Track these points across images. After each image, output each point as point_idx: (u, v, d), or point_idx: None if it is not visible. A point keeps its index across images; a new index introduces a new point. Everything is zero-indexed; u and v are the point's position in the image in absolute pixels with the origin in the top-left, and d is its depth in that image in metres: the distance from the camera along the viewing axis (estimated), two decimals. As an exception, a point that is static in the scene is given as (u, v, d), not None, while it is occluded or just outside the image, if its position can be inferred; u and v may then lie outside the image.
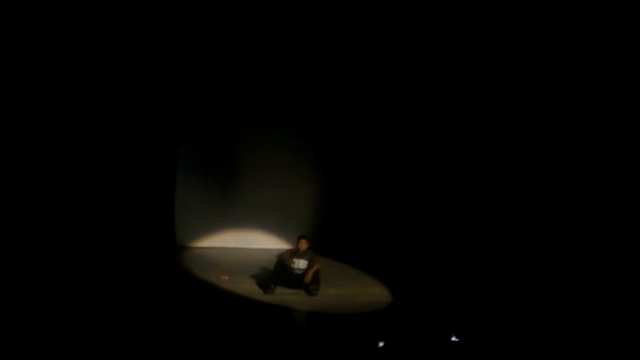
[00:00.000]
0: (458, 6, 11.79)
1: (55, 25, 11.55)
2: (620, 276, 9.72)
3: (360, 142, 14.24)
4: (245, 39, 13.15)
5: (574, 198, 10.64)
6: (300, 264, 10.75)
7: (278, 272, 10.75)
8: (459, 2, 11.81)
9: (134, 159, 12.99)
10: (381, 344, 8.46)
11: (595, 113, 10.36)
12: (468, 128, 12.66)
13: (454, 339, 8.74)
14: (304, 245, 10.90)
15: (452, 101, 12.85)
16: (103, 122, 12.60)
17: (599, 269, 9.95)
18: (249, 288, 10.87)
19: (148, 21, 12.21)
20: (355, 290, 11.25)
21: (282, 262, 10.77)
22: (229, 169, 14.19)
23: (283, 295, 10.50)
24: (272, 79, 13.77)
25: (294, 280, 10.72)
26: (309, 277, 10.60)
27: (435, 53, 12.71)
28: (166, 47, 12.71)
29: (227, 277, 11.36)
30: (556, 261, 10.60)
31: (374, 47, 13.14)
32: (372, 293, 11.21)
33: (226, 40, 13.12)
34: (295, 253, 10.85)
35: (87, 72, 12.20)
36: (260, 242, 14.14)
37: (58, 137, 12.16)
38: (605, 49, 10.17)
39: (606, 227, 10.11)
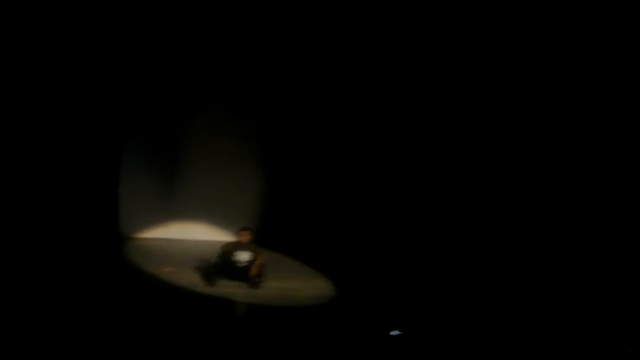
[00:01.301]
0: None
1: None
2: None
3: (305, 133, 14.20)
4: (192, 25, 13.01)
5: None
6: (243, 256, 10.71)
7: (220, 265, 10.70)
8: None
9: (78, 146, 12.81)
10: (395, 333, 8.54)
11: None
12: (413, 110, 12.74)
13: (395, 332, 8.80)
14: (245, 237, 10.85)
15: (400, 83, 12.89)
16: (46, 107, 12.40)
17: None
18: (192, 280, 10.81)
19: (95, 7, 12.01)
20: (298, 283, 11.26)
21: (225, 254, 10.71)
22: (174, 158, 14.09)
23: (226, 288, 10.46)
24: (217, 68, 13.67)
25: (237, 273, 10.68)
26: (253, 270, 10.57)
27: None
28: (113, 33, 12.52)
29: (169, 269, 11.28)
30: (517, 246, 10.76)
31: (317, 30, 13.03)
32: (316, 286, 11.24)
33: (173, 27, 12.96)
34: (237, 245, 10.80)
35: (33, 55, 11.97)
36: (204, 234, 14.05)
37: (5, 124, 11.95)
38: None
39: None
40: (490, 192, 11.71)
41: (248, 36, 13.17)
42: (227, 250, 10.76)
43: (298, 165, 14.27)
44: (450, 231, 11.92)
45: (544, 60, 11.07)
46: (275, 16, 12.55)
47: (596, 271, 10.15)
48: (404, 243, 12.44)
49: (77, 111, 12.68)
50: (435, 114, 12.55)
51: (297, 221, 13.95)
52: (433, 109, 12.56)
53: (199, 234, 14.10)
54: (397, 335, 8.77)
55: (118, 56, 12.78)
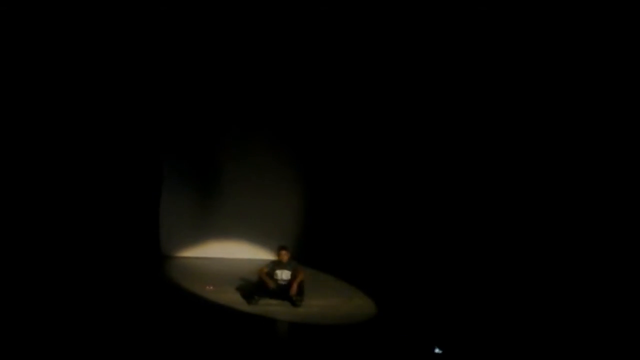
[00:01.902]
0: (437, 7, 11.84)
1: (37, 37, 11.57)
2: (609, 277, 9.78)
3: (344, 151, 14.26)
4: (230, 48, 13.19)
5: (561, 200, 10.70)
6: (284, 274, 10.73)
7: (262, 283, 10.73)
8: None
9: (120, 168, 13.04)
10: (438, 350, 8.53)
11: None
12: (451, 139, 12.72)
13: (437, 351, 8.75)
14: (284, 256, 10.87)
15: (435, 113, 12.91)
16: (89, 131, 12.63)
17: (593, 271, 10.00)
18: (233, 298, 10.85)
19: (132, 32, 12.23)
20: (339, 301, 11.23)
21: (266, 273, 10.75)
22: (214, 178, 14.21)
23: (267, 306, 10.48)
24: (255, 88, 13.81)
25: (278, 291, 10.71)
26: (294, 288, 10.57)
27: (418, 64, 12.76)
28: (150, 57, 12.74)
29: (211, 287, 11.34)
30: (550, 269, 10.63)
31: (356, 58, 13.18)
32: (356, 304, 11.20)
33: (211, 50, 13.15)
34: (278, 264, 10.82)
35: (73, 81, 12.22)
36: (244, 252, 14.12)
37: (46, 144, 12.17)
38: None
39: (592, 228, 10.16)
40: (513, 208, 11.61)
41: (290, 58, 13.32)
42: (268, 270, 10.78)
43: (338, 182, 14.30)
44: (489, 255, 11.82)
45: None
46: (315, 41, 12.72)
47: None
48: (445, 262, 12.37)
49: (121, 132, 12.89)
50: (466, 135, 12.52)
51: (337, 238, 13.96)
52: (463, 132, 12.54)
53: (240, 252, 14.17)
54: (440, 353, 8.72)
55: (161, 77, 12.99)
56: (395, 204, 13.63)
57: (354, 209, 14.14)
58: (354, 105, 13.92)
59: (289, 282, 10.65)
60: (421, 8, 11.81)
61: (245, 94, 13.85)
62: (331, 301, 11.17)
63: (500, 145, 11.88)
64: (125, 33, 12.25)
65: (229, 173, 14.21)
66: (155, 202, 13.68)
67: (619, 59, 10.09)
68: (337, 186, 14.31)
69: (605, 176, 10.24)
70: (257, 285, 10.83)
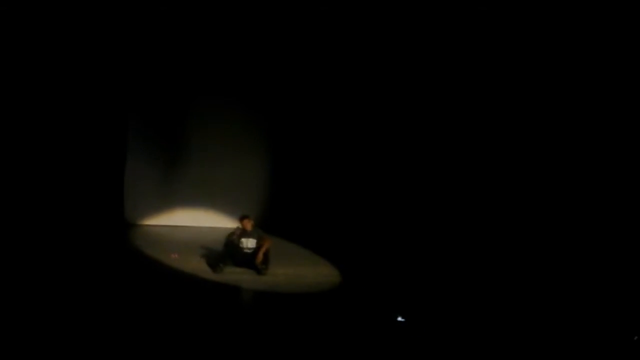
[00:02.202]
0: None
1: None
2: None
3: (310, 119, 14.23)
4: (197, 15, 13.00)
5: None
6: (249, 242, 10.74)
7: (227, 251, 10.73)
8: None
9: (85, 134, 12.84)
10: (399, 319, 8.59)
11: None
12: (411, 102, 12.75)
13: (400, 319, 8.83)
14: (247, 224, 10.86)
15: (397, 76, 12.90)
16: (54, 95, 12.43)
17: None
18: (198, 267, 10.84)
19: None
20: (304, 270, 11.29)
21: (231, 241, 10.74)
22: (179, 145, 14.12)
23: (232, 275, 10.49)
24: (221, 55, 13.67)
25: (243, 259, 10.71)
26: (259, 256, 10.59)
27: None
28: (118, 22, 12.51)
29: (176, 255, 11.31)
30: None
31: (320, 24, 13.06)
32: (321, 273, 11.26)
33: (178, 16, 12.94)
34: (243, 232, 10.81)
35: (36, 42, 11.98)
36: (210, 221, 14.10)
37: (7, 107, 11.96)
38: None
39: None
40: (485, 184, 11.67)
41: (254, 27, 13.17)
42: (233, 238, 10.77)
43: (303, 151, 14.29)
44: (453, 220, 11.90)
45: (544, 60, 11.07)
46: (283, 8, 12.55)
47: (596, 271, 10.17)
48: (409, 229, 12.44)
49: (85, 98, 12.70)
50: (431, 107, 12.53)
51: (302, 207, 13.98)
52: (430, 102, 12.54)
53: (205, 220, 14.14)
54: (402, 321, 8.80)
55: (123, 45, 12.79)
56: (360, 170, 13.63)
57: (319, 177, 14.14)
58: (321, 71, 13.82)
59: (255, 250, 10.66)
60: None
61: (212, 61, 13.70)
62: (296, 270, 11.21)
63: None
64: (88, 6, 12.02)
65: (194, 141, 14.12)
66: (120, 169, 13.55)
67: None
68: (302, 154, 14.30)
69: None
70: (222, 253, 10.82)
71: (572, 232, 10.35)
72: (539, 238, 10.57)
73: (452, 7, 11.40)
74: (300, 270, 11.22)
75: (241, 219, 10.96)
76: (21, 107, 12.13)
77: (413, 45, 12.40)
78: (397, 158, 13.10)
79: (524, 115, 11.25)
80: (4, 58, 11.71)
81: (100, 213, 12.87)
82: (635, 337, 8.40)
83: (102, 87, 12.89)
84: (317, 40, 13.26)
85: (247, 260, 10.68)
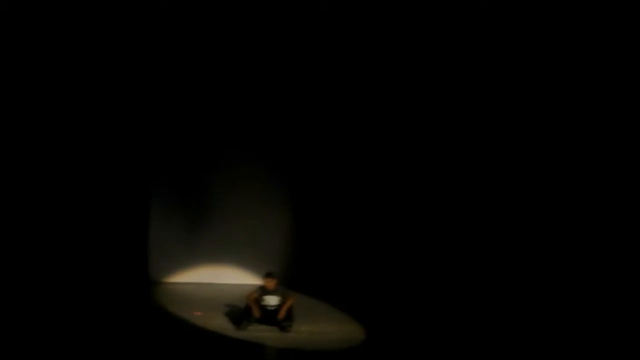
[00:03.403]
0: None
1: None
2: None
3: (332, 176, 14.30)
4: (218, 75, 13.27)
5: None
6: (272, 300, 10.69)
7: (250, 309, 10.69)
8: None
9: (107, 194, 13.01)
10: None
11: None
12: (444, 154, 12.77)
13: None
14: (270, 283, 10.79)
15: (429, 128, 12.96)
16: (80, 158, 12.65)
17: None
18: (222, 324, 10.81)
19: (117, 56, 12.30)
20: (328, 327, 11.20)
21: (254, 299, 10.71)
22: (202, 203, 14.20)
23: (256, 332, 10.44)
24: (243, 113, 13.88)
25: (267, 317, 10.66)
26: (282, 313, 10.54)
27: (407, 76, 12.82)
28: (135, 84, 12.81)
29: (200, 313, 11.30)
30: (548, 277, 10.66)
31: (340, 80, 13.27)
32: (345, 330, 11.16)
33: (196, 74, 13.23)
34: (265, 290, 10.78)
35: (61, 108, 12.27)
36: (233, 277, 14.09)
37: (39, 166, 12.20)
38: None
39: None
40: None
41: (277, 85, 13.41)
42: (256, 296, 10.74)
43: (326, 207, 14.31)
44: (479, 281, 11.83)
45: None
46: (301, 60, 12.78)
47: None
48: (434, 288, 12.35)
49: (107, 158, 12.91)
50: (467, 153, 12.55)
51: (326, 264, 13.94)
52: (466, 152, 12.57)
53: (228, 277, 14.13)
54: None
55: (150, 101, 13.04)
56: (384, 230, 13.63)
57: (343, 234, 14.13)
58: (342, 129, 13.96)
59: (278, 307, 10.62)
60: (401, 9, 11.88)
61: (233, 120, 13.90)
62: (320, 327, 11.13)
63: (491, 156, 11.92)
64: (113, 62, 12.32)
65: (217, 198, 14.21)
66: (144, 227, 13.64)
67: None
68: (326, 211, 14.32)
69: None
70: (245, 310, 10.78)
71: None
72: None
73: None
74: (324, 327, 11.13)
75: (265, 276, 10.94)
76: (49, 169, 12.36)
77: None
78: (421, 212, 13.09)
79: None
80: (31, 122, 12.02)
81: (124, 271, 12.94)
82: None
83: (125, 147, 13.08)
84: (338, 92, 13.43)
85: (270, 317, 10.63)
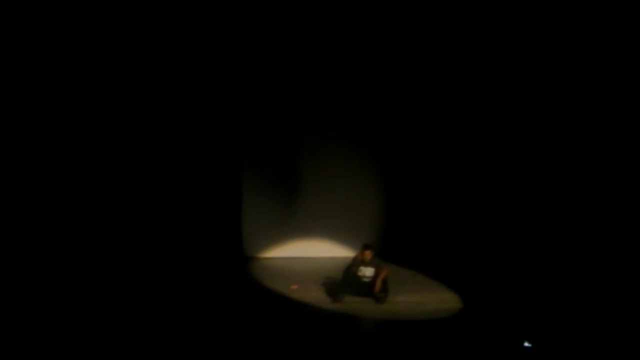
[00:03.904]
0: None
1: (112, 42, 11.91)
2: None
3: (422, 146, 14.16)
4: (309, 51, 13.30)
5: None
6: (367, 271, 10.73)
7: (346, 281, 10.76)
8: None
9: (201, 170, 13.24)
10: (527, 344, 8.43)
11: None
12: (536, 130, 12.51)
13: (526, 344, 8.59)
14: (368, 255, 10.84)
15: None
16: (171, 133, 12.92)
17: None
18: (318, 297, 10.91)
19: (210, 35, 12.46)
20: (424, 297, 11.15)
21: (349, 270, 10.76)
22: (294, 177, 14.28)
23: (352, 304, 10.49)
24: (332, 87, 13.85)
25: (362, 289, 10.71)
26: (378, 285, 10.57)
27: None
28: (229, 59, 12.95)
29: (296, 287, 11.42)
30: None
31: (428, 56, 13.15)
32: (442, 299, 11.11)
33: (291, 49, 13.27)
34: (360, 262, 10.82)
35: (150, 83, 12.53)
36: (327, 251, 14.16)
37: (130, 142, 12.53)
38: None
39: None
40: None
41: (368, 58, 13.37)
42: (351, 267, 10.80)
43: (417, 177, 14.20)
44: (574, 248, 11.57)
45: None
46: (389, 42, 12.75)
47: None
48: (530, 251, 12.10)
49: (201, 134, 13.13)
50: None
51: (419, 234, 13.85)
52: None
53: (323, 250, 14.21)
54: (529, 347, 8.55)
55: (240, 77, 13.20)
56: (476, 196, 13.40)
57: (434, 203, 13.99)
58: (433, 100, 13.80)
59: (373, 279, 10.64)
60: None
61: (323, 93, 13.90)
62: (416, 297, 11.10)
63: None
64: (209, 36, 12.50)
65: (309, 172, 14.26)
66: (237, 203, 13.84)
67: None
68: (416, 181, 14.20)
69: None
70: (341, 282, 10.85)
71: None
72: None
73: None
74: (420, 297, 11.10)
75: (363, 248, 10.97)
76: (147, 142, 12.68)
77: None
78: (513, 176, 12.81)
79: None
80: (125, 104, 12.34)
81: (220, 247, 13.16)
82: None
83: (217, 125, 13.27)
84: (424, 69, 13.32)
85: (366, 289, 10.67)
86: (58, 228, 11.43)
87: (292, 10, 12.28)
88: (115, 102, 12.26)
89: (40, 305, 9.46)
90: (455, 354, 8.44)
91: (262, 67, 13.41)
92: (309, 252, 14.21)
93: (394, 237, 14.01)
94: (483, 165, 13.25)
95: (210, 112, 13.18)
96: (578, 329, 9.19)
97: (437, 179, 13.97)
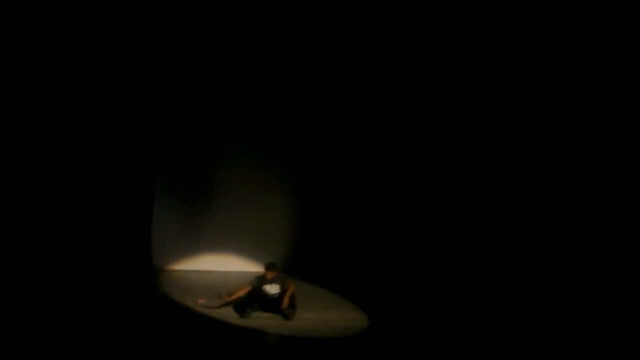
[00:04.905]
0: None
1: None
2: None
3: (335, 163, 14.28)
4: (222, 61, 13.22)
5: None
6: (272, 289, 10.70)
7: (253, 297, 10.70)
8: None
9: (112, 181, 12.97)
10: None
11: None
12: (449, 152, 12.75)
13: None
14: (269, 275, 10.80)
15: (433, 123, 12.95)
16: (82, 143, 12.62)
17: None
18: (226, 312, 10.81)
19: (127, 35, 12.27)
20: (331, 315, 11.20)
21: (255, 287, 10.72)
22: (205, 191, 14.18)
23: (259, 320, 10.45)
24: (247, 98, 13.83)
25: (270, 305, 10.68)
26: (285, 302, 10.55)
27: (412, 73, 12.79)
28: (142, 68, 12.77)
29: (203, 301, 11.29)
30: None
31: (350, 66, 13.22)
32: (349, 317, 11.17)
33: (203, 63, 13.17)
34: (264, 279, 10.78)
35: (67, 91, 12.24)
36: (237, 265, 14.09)
37: (39, 153, 12.17)
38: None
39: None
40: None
41: (282, 70, 13.35)
42: (257, 284, 10.75)
43: (329, 194, 14.30)
44: (481, 265, 11.83)
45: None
46: (305, 49, 12.74)
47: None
48: (438, 272, 12.35)
49: (111, 142, 12.87)
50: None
51: (329, 251, 13.94)
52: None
53: (232, 265, 14.13)
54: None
55: (153, 88, 13.01)
56: (386, 216, 13.61)
57: (345, 221, 14.12)
58: (347, 116, 13.93)
59: (280, 296, 10.63)
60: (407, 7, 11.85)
61: (236, 107, 13.86)
62: (324, 314, 11.14)
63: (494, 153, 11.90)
64: (120, 44, 12.28)
65: (220, 186, 14.18)
66: (147, 213, 13.63)
67: (619, 59, 10.17)
68: (328, 198, 14.31)
69: (605, 176, 10.29)
70: (249, 298, 10.79)
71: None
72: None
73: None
74: (327, 315, 11.14)
75: (265, 268, 10.93)
76: (57, 154, 12.34)
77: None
78: (425, 197, 13.07)
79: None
80: (35, 106, 12.00)
81: (128, 259, 12.92)
82: None
83: (127, 134, 13.05)
84: (341, 80, 13.40)
85: (273, 305, 10.65)
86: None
87: (206, 16, 12.24)
88: (21, 108, 11.93)
89: None
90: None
91: (179, 78, 13.30)
92: (218, 266, 14.12)
93: (305, 253, 14.05)
94: (392, 185, 13.48)
95: (121, 118, 12.95)
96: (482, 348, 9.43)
97: (348, 197, 14.11)
